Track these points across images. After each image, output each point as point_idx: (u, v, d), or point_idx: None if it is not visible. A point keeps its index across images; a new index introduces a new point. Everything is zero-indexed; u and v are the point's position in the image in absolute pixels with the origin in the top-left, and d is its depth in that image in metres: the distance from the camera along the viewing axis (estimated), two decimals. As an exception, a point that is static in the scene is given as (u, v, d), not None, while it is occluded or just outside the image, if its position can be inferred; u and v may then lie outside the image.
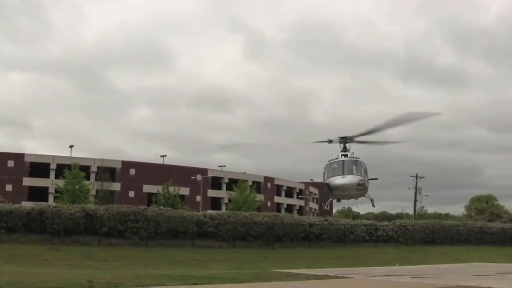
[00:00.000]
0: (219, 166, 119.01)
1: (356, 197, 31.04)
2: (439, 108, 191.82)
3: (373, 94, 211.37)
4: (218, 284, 24.00)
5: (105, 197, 72.41)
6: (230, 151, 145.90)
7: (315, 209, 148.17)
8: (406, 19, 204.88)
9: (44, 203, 55.35)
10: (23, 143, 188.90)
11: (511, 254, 57.29)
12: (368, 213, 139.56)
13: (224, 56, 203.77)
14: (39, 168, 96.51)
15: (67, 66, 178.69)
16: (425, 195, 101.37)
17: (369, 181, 30.94)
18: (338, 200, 31.73)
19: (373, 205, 32.87)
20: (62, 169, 70.96)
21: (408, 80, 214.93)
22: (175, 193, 69.17)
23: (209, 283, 23.93)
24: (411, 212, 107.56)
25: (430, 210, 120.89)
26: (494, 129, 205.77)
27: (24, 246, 42.15)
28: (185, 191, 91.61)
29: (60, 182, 68.90)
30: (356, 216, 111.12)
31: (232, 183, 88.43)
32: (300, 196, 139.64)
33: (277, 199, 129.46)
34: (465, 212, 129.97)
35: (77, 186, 65.25)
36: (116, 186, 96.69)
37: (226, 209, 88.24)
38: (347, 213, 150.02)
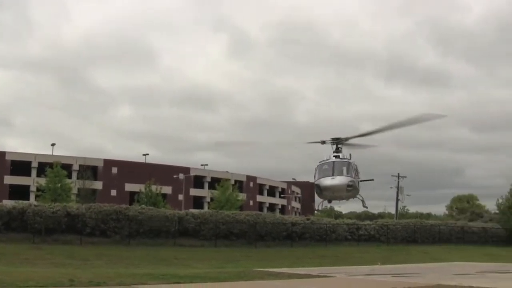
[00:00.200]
0: (202, 165, 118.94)
1: (347, 198, 31.03)
2: (422, 108, 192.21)
3: (356, 94, 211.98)
4: (200, 283, 24.01)
5: (87, 195, 72.05)
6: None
7: (297, 208, 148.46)
8: (389, 19, 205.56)
9: (25, 202, 55.15)
10: (5, 141, 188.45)
11: (492, 253, 57.84)
12: (350, 213, 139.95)
13: (208, 55, 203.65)
14: (21, 166, 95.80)
15: (50, 64, 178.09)
16: (407, 195, 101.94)
17: (363, 182, 31.14)
18: (329, 201, 31.68)
19: (365, 206, 32.93)
20: (44, 167, 70.58)
21: (391, 80, 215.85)
22: (157, 192, 69.05)
23: (191, 282, 23.93)
24: (393, 211, 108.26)
25: (412, 209, 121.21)
26: (476, 129, 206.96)
27: (5, 245, 41.78)
28: (167, 190, 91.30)
29: (42, 181, 68.63)
30: (338, 215, 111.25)
31: (215, 182, 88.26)
32: (282, 195, 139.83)
33: (259, 198, 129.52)
34: (447, 212, 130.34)
35: (59, 185, 65.06)
36: (98, 185, 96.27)
37: (208, 208, 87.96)
38: (329, 212, 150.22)
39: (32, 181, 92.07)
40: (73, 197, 69.83)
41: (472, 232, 70.59)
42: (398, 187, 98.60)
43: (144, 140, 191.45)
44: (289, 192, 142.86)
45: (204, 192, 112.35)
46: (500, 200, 77.10)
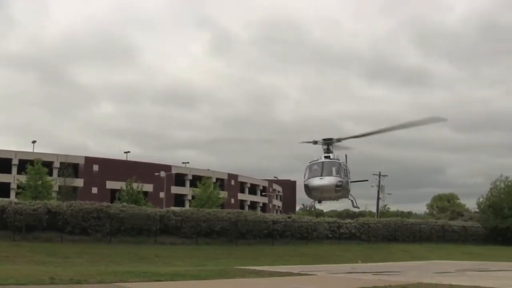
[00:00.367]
0: (183, 163, 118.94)
1: (336, 199, 30.98)
2: (404, 108, 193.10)
3: (340, 93, 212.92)
4: (181, 281, 24.03)
5: (68, 193, 71.54)
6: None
7: (278, 207, 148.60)
8: (372, 19, 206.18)
9: (6, 199, 54.68)
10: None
11: (472, 252, 58.34)
12: (331, 211, 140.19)
13: (190, 53, 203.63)
14: (1, 163, 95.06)
15: (31, 61, 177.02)
16: (388, 194, 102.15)
17: (357, 182, 31.22)
18: (319, 201, 31.63)
19: (355, 206, 32.66)
20: (25, 164, 70.12)
21: (373, 79, 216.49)
22: (139, 189, 68.78)
23: (172, 280, 23.97)
24: (374, 210, 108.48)
25: (393, 208, 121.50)
26: (457, 129, 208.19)
27: (-15, 243, 41.63)
28: (148, 187, 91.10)
29: (22, 178, 68.15)
30: (319, 213, 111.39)
31: (196, 180, 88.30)
32: (263, 194, 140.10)
33: (240, 196, 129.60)
34: (427, 211, 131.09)
35: (40, 182, 64.68)
36: (79, 182, 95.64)
37: (189, 206, 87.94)
38: (310, 210, 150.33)
39: (12, 178, 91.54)
40: (54, 194, 69.39)
41: (452, 230, 71.14)
42: (379, 186, 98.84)
43: (125, 137, 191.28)
44: (271, 190, 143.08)
45: (186, 190, 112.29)
46: (481, 199, 77.82)
